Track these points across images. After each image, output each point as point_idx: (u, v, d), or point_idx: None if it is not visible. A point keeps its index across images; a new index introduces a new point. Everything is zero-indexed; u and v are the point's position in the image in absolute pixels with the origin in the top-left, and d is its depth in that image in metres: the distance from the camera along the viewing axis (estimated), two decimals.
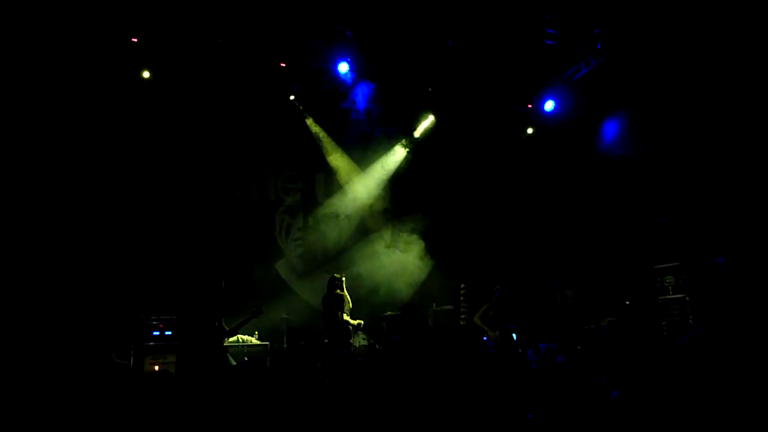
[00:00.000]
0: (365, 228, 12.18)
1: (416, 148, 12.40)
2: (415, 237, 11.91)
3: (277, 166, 11.73)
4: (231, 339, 8.71)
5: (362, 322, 9.21)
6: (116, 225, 9.68)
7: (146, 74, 9.63)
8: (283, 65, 10.37)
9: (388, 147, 12.33)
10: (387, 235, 12.20)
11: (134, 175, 10.02)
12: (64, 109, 9.34)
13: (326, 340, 8.54)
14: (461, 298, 11.35)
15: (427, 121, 12.18)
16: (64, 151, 9.35)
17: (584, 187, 11.96)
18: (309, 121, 11.60)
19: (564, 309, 11.18)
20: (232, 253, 10.40)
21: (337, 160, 12.00)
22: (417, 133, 12.33)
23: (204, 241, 10.34)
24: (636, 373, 2.69)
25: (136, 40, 9.15)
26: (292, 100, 11.20)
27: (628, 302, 10.45)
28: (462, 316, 11.16)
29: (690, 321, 9.48)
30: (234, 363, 8.15)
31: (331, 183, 12.16)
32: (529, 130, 12.66)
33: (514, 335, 8.16)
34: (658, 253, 10.42)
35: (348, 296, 9.10)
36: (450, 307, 11.27)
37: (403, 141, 12.33)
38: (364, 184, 12.20)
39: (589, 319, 10.21)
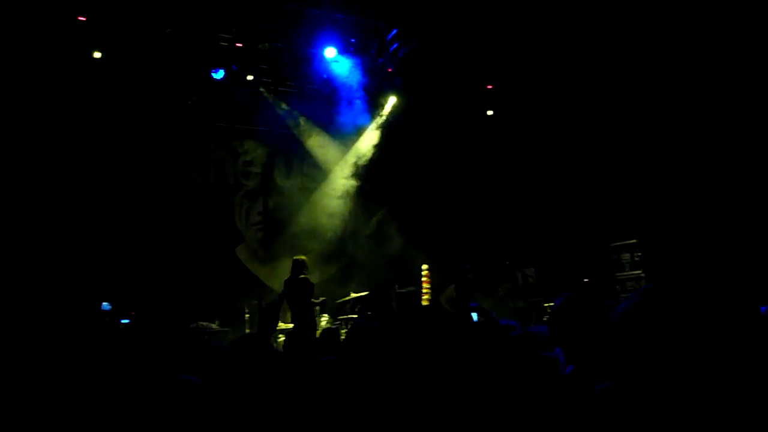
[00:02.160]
0: (330, 210, 12.05)
1: (384, 128, 12.32)
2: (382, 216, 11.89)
3: (235, 150, 11.51)
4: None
5: (325, 299, 9.09)
6: (69, 211, 9.36)
7: (97, 54, 9.29)
8: (240, 45, 10.15)
9: (355, 128, 12.21)
10: (352, 215, 12.12)
11: (88, 159, 9.67)
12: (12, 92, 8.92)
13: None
14: (422, 279, 11.40)
15: (390, 103, 12.13)
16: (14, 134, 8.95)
17: (542, 165, 12.10)
18: (271, 98, 11.35)
19: (526, 288, 11.33)
20: (190, 240, 10.19)
21: (311, 141, 11.82)
22: (383, 113, 12.25)
23: (161, 227, 10.10)
24: (588, 348, 2.70)
25: (84, 19, 8.81)
26: (251, 80, 10.93)
27: (586, 279, 10.68)
28: (425, 297, 11.23)
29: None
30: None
31: (291, 165, 12.01)
32: (489, 112, 12.76)
33: (474, 315, 8.21)
34: (615, 230, 10.69)
35: (311, 277, 8.95)
36: (413, 288, 11.31)
37: (372, 122, 12.24)
38: (331, 163, 12.09)
39: (549, 297, 10.42)
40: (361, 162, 12.20)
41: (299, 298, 8.60)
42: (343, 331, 8.86)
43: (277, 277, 10.58)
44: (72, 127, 9.46)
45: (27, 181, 9.02)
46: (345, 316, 10.26)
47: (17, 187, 8.91)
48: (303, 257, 9.00)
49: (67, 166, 9.41)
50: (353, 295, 10.52)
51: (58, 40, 8.94)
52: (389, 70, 11.54)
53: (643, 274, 10.05)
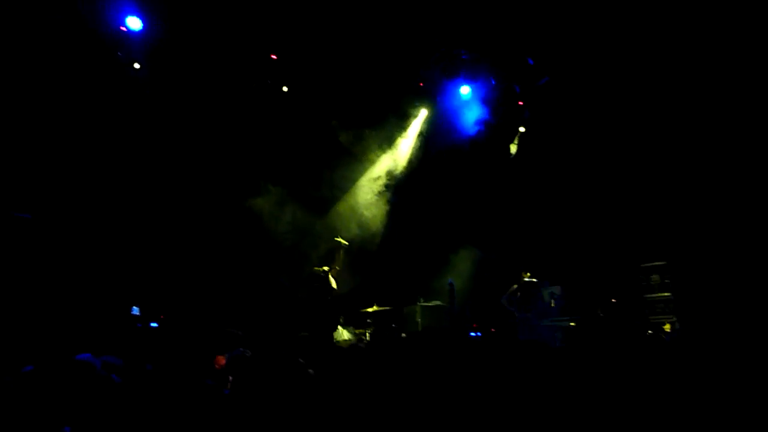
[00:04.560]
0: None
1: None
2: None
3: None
4: None
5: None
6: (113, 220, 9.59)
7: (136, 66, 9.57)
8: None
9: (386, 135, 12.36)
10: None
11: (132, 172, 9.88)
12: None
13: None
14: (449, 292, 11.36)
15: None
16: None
17: (575, 184, 12.02)
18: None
19: (552, 306, 11.25)
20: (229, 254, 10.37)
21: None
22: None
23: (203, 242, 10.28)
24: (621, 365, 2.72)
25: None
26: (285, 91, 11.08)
27: (614, 300, 10.54)
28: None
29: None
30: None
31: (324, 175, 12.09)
32: (521, 129, 12.80)
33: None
34: (645, 251, 10.56)
35: (333, 282, 9.06)
36: (438, 302, 11.29)
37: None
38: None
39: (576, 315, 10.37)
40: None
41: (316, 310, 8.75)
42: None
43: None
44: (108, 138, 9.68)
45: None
46: (364, 330, 10.35)
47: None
48: (319, 269, 9.18)
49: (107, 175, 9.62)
50: (375, 308, 10.61)
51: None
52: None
53: (672, 297, 9.89)
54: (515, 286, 10.61)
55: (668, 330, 9.11)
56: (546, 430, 2.07)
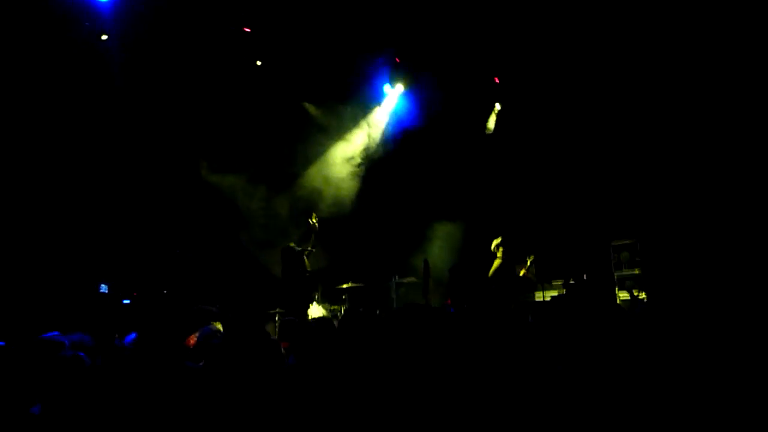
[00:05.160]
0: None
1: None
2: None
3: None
4: None
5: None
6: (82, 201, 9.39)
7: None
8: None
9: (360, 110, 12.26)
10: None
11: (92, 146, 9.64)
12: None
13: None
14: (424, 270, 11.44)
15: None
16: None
17: (546, 161, 12.12)
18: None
19: (526, 281, 11.39)
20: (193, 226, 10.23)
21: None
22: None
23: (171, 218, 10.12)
24: (585, 346, 2.77)
25: None
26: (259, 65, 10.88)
27: (585, 276, 10.74)
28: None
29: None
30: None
31: (296, 152, 11.98)
32: (497, 106, 12.79)
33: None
34: (615, 229, 10.78)
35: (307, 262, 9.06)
36: (413, 278, 11.37)
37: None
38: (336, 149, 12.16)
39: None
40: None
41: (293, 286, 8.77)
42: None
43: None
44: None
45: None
46: (339, 306, 10.39)
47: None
48: (293, 245, 9.16)
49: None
50: (349, 284, 10.66)
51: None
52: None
53: (640, 273, 10.14)
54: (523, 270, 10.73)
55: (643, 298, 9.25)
56: (516, 407, 2.11)
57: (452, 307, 9.09)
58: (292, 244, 9.16)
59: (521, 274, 10.77)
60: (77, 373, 2.89)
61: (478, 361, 2.48)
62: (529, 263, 10.82)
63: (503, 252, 10.55)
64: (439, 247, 12.20)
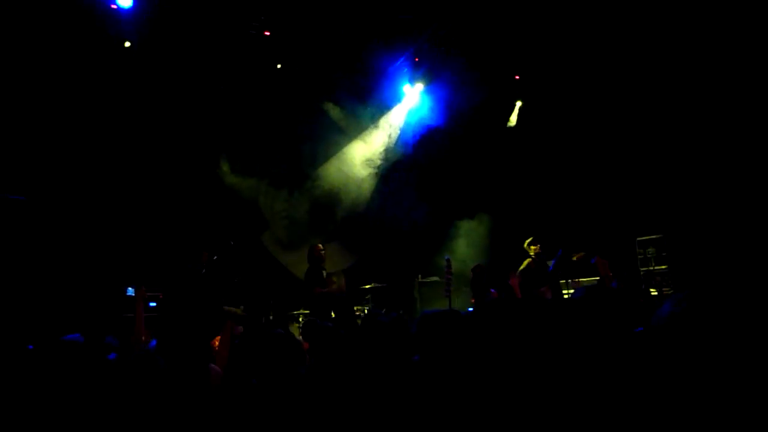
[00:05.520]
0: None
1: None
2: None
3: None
4: None
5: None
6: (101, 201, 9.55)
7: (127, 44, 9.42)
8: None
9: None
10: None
11: (117, 150, 9.82)
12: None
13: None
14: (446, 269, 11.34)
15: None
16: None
17: (571, 157, 11.96)
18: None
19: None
20: (215, 227, 10.33)
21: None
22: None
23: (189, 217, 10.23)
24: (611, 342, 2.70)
25: None
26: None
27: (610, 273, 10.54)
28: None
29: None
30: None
31: (316, 153, 12.03)
32: (518, 104, 12.70)
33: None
34: (641, 225, 10.57)
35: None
36: (436, 278, 11.30)
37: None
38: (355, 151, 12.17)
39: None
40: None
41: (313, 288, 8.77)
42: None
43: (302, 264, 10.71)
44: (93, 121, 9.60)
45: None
46: (362, 307, 10.38)
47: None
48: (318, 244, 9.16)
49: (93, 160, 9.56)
50: (372, 285, 10.65)
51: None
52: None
53: (668, 270, 9.94)
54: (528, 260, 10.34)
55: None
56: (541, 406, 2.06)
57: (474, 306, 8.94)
58: (315, 242, 9.18)
59: (574, 259, 10.35)
60: (102, 374, 2.93)
61: (499, 367, 2.44)
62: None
63: (538, 250, 10.18)
64: (465, 245, 12.09)
